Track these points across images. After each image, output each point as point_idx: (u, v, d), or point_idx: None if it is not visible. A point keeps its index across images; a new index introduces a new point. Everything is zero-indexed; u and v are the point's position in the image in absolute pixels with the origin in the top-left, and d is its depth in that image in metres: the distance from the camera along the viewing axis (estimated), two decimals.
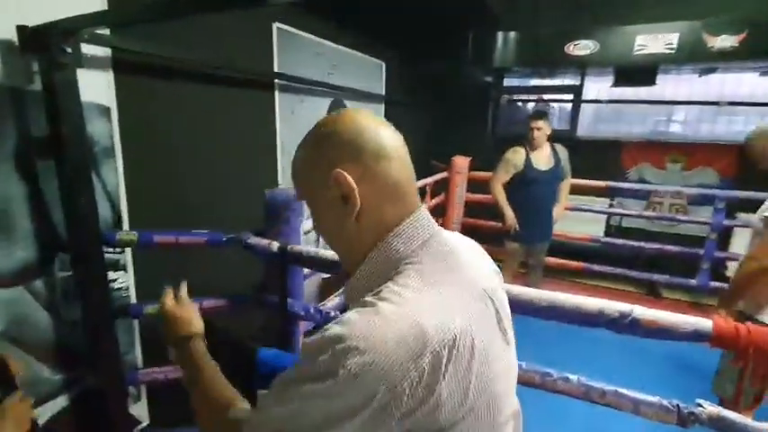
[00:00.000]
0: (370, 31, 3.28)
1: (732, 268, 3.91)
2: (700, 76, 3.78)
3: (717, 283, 3.43)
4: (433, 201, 4.05)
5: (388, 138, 0.58)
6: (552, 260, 3.69)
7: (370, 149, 0.56)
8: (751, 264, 1.56)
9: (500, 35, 3.79)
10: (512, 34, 3.77)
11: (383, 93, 3.82)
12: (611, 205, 4.27)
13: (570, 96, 4.52)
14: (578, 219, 4.31)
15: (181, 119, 1.92)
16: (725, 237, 3.73)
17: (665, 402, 1.02)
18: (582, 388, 1.09)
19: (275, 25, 2.41)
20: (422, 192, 3.76)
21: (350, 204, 0.56)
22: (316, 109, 2.93)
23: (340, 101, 3.23)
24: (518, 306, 1.09)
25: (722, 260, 3.63)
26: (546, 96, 4.82)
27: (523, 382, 1.18)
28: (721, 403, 1.56)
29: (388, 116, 3.79)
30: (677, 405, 1.01)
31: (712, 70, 3.56)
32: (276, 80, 2.51)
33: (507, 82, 5.06)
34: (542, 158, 2.87)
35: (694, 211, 4.01)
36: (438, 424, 0.47)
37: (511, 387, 0.59)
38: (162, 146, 1.85)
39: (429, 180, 3.82)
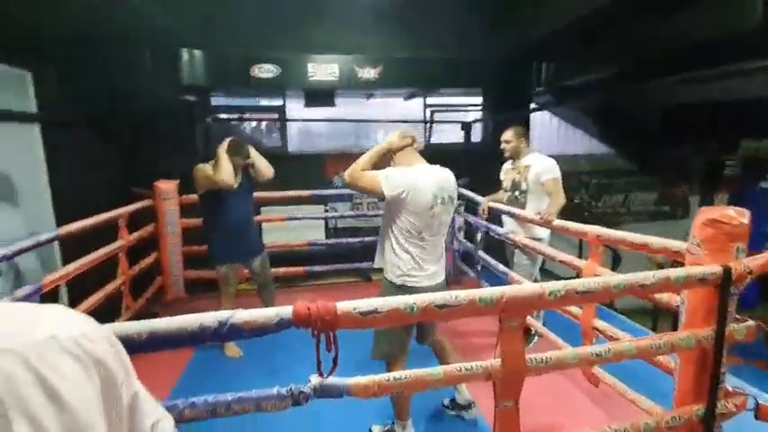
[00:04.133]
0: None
1: None
2: (367, 99, 4.73)
3: None
4: (136, 234, 3.48)
5: None
6: (278, 270, 3.82)
7: None
8: None
9: (185, 52, 3.63)
10: (197, 52, 3.67)
11: (34, 110, 3.00)
12: (326, 211, 4.81)
13: (276, 116, 4.84)
14: (304, 226, 4.67)
15: None
16: None
17: (282, 391, 1.12)
18: (208, 407, 1.07)
19: None
20: (115, 226, 3.16)
21: None
22: None
23: None
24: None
25: None
26: (254, 116, 4.99)
27: None
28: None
29: (49, 139, 3.06)
30: (290, 389, 1.12)
31: (372, 95, 4.51)
32: None
33: (215, 101, 4.97)
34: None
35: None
36: None
37: None
38: None
39: (122, 211, 3.23)
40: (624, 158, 6.57)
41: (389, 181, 1.80)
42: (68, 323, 0.50)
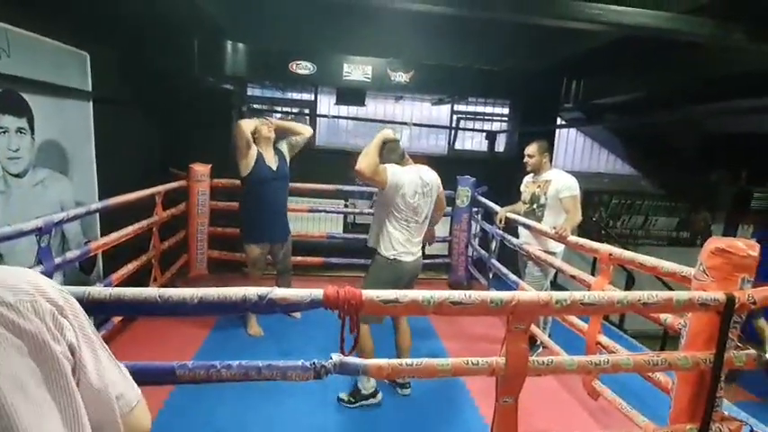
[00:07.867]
0: (59, 13, 2.72)
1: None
2: (396, 101, 4.85)
3: None
4: (170, 211, 3.69)
5: None
6: (296, 259, 3.98)
7: None
8: None
9: (229, 44, 3.82)
10: (241, 45, 3.85)
11: (88, 89, 3.23)
12: (345, 205, 4.96)
13: (307, 110, 5.01)
14: (322, 219, 4.87)
15: None
16: None
17: (306, 364, 1.26)
18: (242, 371, 1.22)
19: None
20: (151, 201, 3.38)
21: None
22: None
23: (13, 93, 2.54)
24: (171, 308, 1.12)
25: None
26: (285, 108, 5.17)
27: (192, 380, 1.23)
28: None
29: (99, 116, 3.28)
30: (314, 363, 1.26)
31: (401, 98, 4.63)
32: None
33: (250, 91, 5.16)
34: (270, 158, 3.06)
35: None
36: None
37: None
38: None
39: (159, 188, 3.45)
40: (649, 181, 6.52)
41: (393, 176, 2.22)
42: None
